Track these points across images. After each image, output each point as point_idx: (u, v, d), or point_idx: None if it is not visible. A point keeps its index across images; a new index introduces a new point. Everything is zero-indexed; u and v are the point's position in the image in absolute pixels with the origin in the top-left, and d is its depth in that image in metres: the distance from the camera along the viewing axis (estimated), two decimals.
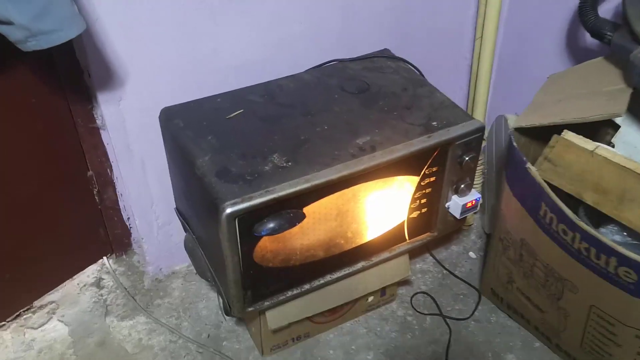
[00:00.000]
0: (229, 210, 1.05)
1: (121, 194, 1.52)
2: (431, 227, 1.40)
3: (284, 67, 1.43)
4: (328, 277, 1.31)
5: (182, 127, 1.24)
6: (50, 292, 1.57)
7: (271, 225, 1.12)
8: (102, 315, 1.54)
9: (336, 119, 1.27)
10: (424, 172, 1.27)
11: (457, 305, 1.61)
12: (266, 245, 1.17)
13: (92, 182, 1.48)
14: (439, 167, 1.28)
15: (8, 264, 1.43)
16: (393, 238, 1.36)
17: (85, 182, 1.48)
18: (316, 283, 1.30)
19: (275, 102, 1.31)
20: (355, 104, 1.31)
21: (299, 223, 1.15)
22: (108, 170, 1.46)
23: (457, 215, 1.35)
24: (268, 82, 1.38)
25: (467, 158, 1.28)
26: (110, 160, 1.44)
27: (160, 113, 1.29)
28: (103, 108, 1.31)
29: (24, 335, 1.49)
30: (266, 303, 1.25)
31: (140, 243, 1.59)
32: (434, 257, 1.72)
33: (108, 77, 1.27)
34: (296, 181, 1.11)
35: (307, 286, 1.29)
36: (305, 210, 1.16)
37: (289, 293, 1.27)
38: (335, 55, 1.48)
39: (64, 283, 1.59)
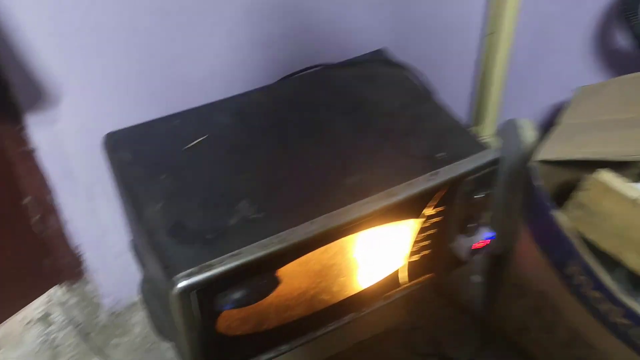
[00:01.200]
0: (182, 284, 0.83)
1: (66, 221, 1.28)
2: (434, 268, 1.18)
3: (257, 75, 1.19)
4: (310, 335, 1.10)
5: (130, 161, 1.00)
6: None
7: (237, 297, 0.90)
8: (50, 359, 1.33)
9: (320, 149, 1.03)
10: (428, 213, 1.04)
11: (460, 341, 1.40)
12: (231, 314, 0.95)
13: (30, 210, 1.25)
14: (446, 206, 1.06)
15: None
16: (389, 284, 1.14)
17: (21, 210, 1.24)
18: (296, 343, 1.08)
19: (246, 125, 1.07)
20: (344, 127, 1.07)
21: (272, 291, 0.93)
22: (48, 196, 1.22)
23: (463, 257, 1.13)
24: (238, 95, 1.13)
25: (479, 195, 1.06)
26: (50, 186, 1.20)
27: (104, 140, 1.04)
28: (35, 130, 1.07)
29: None
30: None
31: (93, 273, 1.36)
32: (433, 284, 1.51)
33: (37, 95, 1.02)
34: (269, 240, 0.88)
35: (285, 347, 1.08)
36: (281, 271, 0.94)
37: (264, 357, 1.06)
38: (320, 56, 1.23)
39: (6, 320, 1.37)
